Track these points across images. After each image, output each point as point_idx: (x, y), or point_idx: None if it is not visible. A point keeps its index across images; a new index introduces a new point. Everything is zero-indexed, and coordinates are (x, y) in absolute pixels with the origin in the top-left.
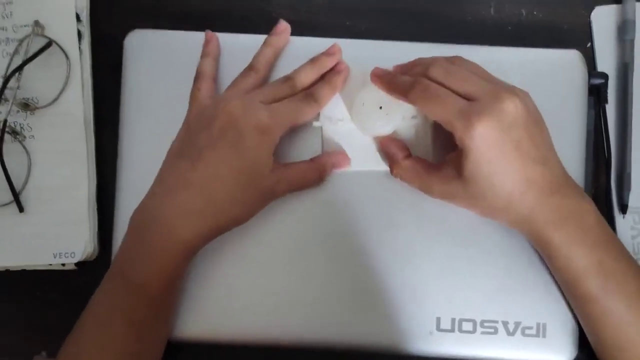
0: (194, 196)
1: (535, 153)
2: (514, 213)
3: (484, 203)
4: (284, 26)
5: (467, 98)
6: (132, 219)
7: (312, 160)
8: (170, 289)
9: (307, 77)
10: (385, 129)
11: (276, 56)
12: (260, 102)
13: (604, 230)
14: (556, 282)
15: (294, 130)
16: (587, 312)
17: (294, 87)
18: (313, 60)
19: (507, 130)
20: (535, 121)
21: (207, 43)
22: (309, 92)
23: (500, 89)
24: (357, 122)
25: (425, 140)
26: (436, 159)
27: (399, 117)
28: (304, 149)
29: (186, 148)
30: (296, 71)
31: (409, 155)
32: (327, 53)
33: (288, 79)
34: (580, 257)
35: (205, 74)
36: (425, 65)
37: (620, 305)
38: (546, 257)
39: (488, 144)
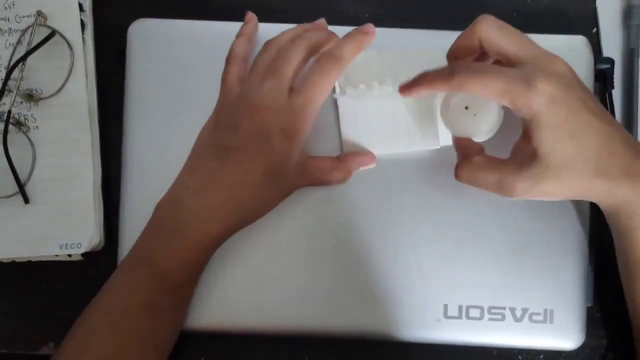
0: (223, 194)
1: (603, 113)
2: (609, 179)
3: (574, 174)
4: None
5: (514, 63)
6: (160, 208)
7: (339, 158)
8: (193, 279)
9: (315, 42)
10: (477, 132)
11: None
12: (283, 92)
13: None
14: (567, 267)
15: None
16: None
17: (303, 45)
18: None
19: (570, 89)
20: (585, 85)
21: (245, 23)
22: (328, 52)
23: (547, 52)
24: (444, 120)
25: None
26: None
27: (490, 120)
28: (321, 133)
29: (214, 145)
30: (306, 35)
31: (480, 152)
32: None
33: (300, 45)
34: None
35: (236, 56)
36: (469, 28)
37: None
38: (627, 230)
39: (557, 103)
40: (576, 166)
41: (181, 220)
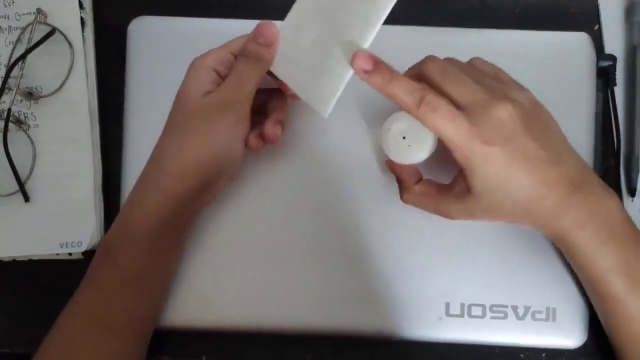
0: (178, 136)
1: (546, 155)
2: (537, 217)
3: (504, 212)
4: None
5: (457, 105)
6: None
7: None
8: (166, 231)
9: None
10: (413, 159)
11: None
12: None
13: (630, 228)
14: (567, 266)
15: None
16: (611, 311)
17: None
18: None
19: (509, 141)
20: (537, 121)
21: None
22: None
23: (491, 97)
24: (384, 147)
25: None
26: None
27: (426, 147)
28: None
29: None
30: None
31: (420, 179)
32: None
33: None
34: (606, 256)
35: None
36: (420, 62)
37: None
38: (569, 256)
39: (492, 159)
40: (505, 208)
41: (144, 170)
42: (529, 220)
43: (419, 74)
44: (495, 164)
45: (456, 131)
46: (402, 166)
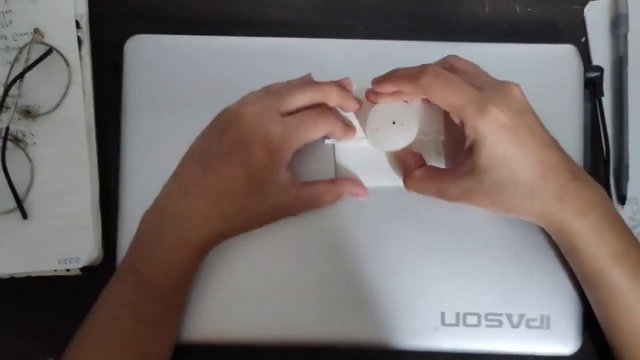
0: (205, 202)
1: (549, 138)
2: (539, 202)
3: (505, 195)
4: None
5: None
6: (145, 217)
7: (331, 181)
8: (181, 288)
9: (332, 98)
10: (403, 142)
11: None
12: (276, 112)
13: (622, 220)
14: (562, 272)
15: (307, 149)
16: (612, 303)
17: (314, 99)
18: (340, 85)
19: (519, 115)
20: (533, 111)
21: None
22: (328, 108)
23: (499, 81)
24: (374, 140)
25: (438, 156)
26: None
27: (415, 126)
28: (317, 167)
29: (201, 153)
30: (325, 86)
31: (423, 165)
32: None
33: (314, 88)
34: (608, 245)
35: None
36: (413, 78)
37: None
38: (571, 249)
39: (503, 129)
40: (508, 188)
41: (162, 227)
42: (529, 207)
43: (416, 88)
44: (505, 136)
45: (470, 97)
46: (407, 152)
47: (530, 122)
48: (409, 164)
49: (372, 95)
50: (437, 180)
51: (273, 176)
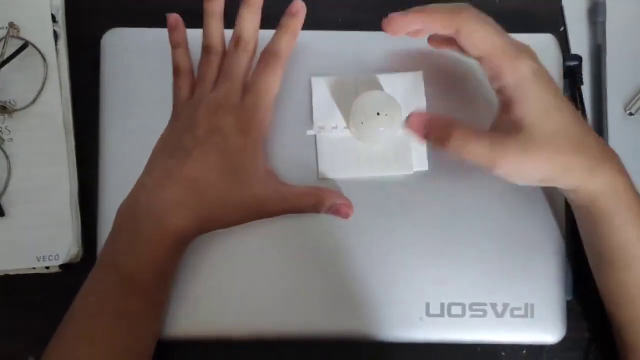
0: (182, 191)
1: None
2: (587, 156)
3: (559, 149)
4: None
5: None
6: (120, 210)
7: (312, 187)
8: (162, 281)
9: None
10: (389, 133)
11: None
12: (239, 97)
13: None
14: (546, 261)
15: (288, 140)
16: (636, 275)
17: (248, 50)
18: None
19: (547, 75)
20: None
21: (173, 30)
22: (267, 50)
23: (524, 45)
24: (358, 133)
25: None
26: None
27: (399, 116)
28: (299, 158)
29: (174, 147)
30: (242, 28)
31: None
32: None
33: (237, 41)
34: (636, 219)
35: (182, 69)
36: (449, 17)
37: None
38: (605, 215)
39: (540, 77)
40: (559, 141)
41: (137, 219)
42: (579, 161)
43: (450, 25)
44: (546, 84)
45: (508, 40)
46: (433, 113)
47: (555, 86)
48: (444, 120)
49: (392, 26)
50: (489, 139)
51: (251, 161)
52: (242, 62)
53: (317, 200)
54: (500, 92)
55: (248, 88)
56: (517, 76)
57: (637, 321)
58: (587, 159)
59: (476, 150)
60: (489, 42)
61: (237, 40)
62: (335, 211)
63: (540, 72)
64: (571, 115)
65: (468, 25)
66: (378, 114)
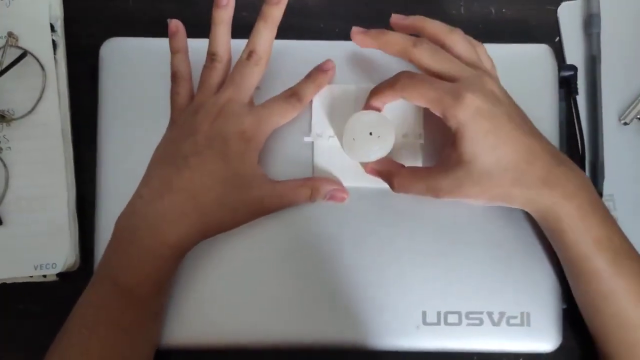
0: (181, 200)
1: (529, 127)
2: (526, 187)
3: (494, 182)
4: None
5: (450, 80)
6: (118, 222)
7: (305, 178)
8: (159, 292)
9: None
10: (380, 153)
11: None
12: (243, 105)
13: (605, 206)
14: (542, 270)
15: (285, 146)
16: (596, 291)
17: (260, 64)
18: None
19: (496, 104)
20: (515, 102)
21: (173, 36)
22: (293, 90)
23: (481, 72)
24: (350, 150)
25: (416, 158)
26: None
27: (391, 137)
28: (295, 165)
29: (171, 155)
30: (257, 43)
31: (403, 166)
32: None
33: (250, 54)
34: (592, 230)
35: (181, 76)
36: (412, 43)
37: (629, 282)
38: (556, 233)
39: (481, 115)
40: (495, 175)
41: (136, 230)
42: (518, 193)
43: (406, 57)
44: (484, 121)
45: (445, 88)
46: (381, 161)
47: (508, 111)
48: (388, 168)
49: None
50: (427, 177)
51: (250, 166)
52: (251, 74)
53: (311, 190)
54: (448, 130)
55: (263, 105)
56: (455, 120)
57: (597, 335)
58: (527, 189)
59: (416, 190)
60: (424, 99)
61: (249, 53)
62: (331, 197)
63: (483, 109)
64: (512, 147)
65: (405, 92)
66: (370, 133)
